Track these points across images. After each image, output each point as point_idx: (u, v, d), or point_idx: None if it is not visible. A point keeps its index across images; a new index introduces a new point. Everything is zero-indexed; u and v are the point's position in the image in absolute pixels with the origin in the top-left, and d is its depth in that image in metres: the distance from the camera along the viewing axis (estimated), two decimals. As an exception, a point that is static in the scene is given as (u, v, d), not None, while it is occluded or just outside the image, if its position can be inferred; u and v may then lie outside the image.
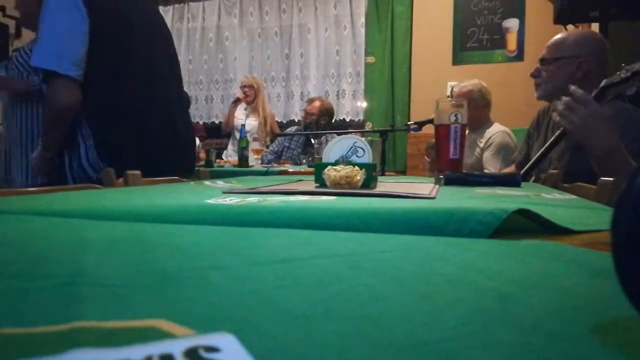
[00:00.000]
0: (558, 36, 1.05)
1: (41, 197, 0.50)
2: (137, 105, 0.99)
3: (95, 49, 0.91)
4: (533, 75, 1.07)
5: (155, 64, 1.04)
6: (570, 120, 0.80)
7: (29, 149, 1.22)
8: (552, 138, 0.96)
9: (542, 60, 1.05)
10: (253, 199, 0.44)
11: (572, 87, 0.82)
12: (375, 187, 0.61)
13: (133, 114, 0.99)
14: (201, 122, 3.23)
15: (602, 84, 0.85)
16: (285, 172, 1.44)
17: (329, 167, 0.57)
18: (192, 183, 0.80)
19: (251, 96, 2.41)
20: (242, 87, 2.47)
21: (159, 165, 0.97)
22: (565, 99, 0.82)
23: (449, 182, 0.73)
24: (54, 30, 0.90)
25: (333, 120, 2.46)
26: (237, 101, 2.46)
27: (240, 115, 2.45)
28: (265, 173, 1.41)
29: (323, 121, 2.25)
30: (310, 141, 2.16)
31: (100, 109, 0.95)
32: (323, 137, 1.29)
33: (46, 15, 0.91)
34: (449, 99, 1.84)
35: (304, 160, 2.13)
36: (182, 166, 1.08)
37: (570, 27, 1.63)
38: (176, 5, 3.26)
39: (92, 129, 0.95)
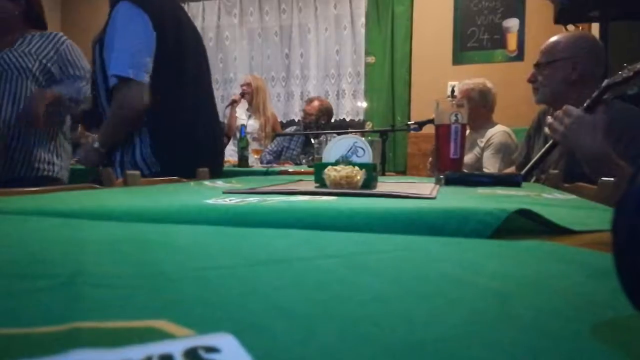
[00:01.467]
0: (551, 40, 1.06)
1: (41, 197, 0.50)
2: (189, 106, 1.09)
3: (158, 60, 1.03)
4: (530, 81, 1.07)
5: (199, 69, 1.14)
6: (556, 131, 0.82)
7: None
8: (545, 147, 0.97)
9: (537, 65, 1.05)
10: (253, 199, 0.44)
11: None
12: (375, 187, 0.61)
13: (186, 115, 1.08)
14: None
15: (604, 83, 0.85)
16: (285, 172, 1.44)
17: (329, 167, 0.57)
18: (191, 183, 0.80)
19: (249, 94, 2.40)
20: (241, 85, 2.47)
21: (204, 162, 1.06)
22: (556, 112, 0.83)
23: (449, 182, 0.73)
24: (129, 41, 0.99)
25: (333, 120, 2.46)
26: (232, 103, 2.45)
27: (243, 116, 2.45)
28: (265, 173, 1.41)
29: (322, 121, 2.25)
30: (310, 141, 2.16)
31: (158, 109, 1.03)
32: (323, 137, 1.29)
33: (119, 27, 0.99)
34: (449, 98, 1.84)
35: (303, 161, 2.12)
36: (217, 164, 1.18)
37: (570, 27, 1.63)
38: (176, 5, 3.26)
39: (149, 127, 1.03)
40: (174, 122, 1.05)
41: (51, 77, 1.20)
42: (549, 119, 0.85)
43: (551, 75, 1.02)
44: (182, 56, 1.08)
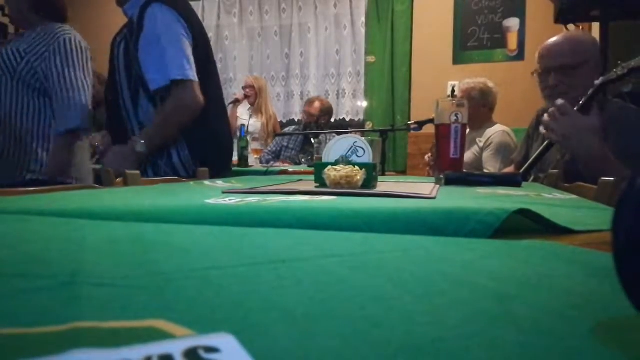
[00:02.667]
0: (571, 40, 0.99)
1: (41, 197, 0.50)
2: (216, 107, 1.11)
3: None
4: (554, 86, 0.97)
5: (216, 70, 1.17)
6: (554, 131, 0.81)
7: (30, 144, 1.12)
8: (542, 147, 0.96)
9: (562, 68, 0.96)
10: (253, 199, 0.44)
11: (558, 100, 0.82)
12: (375, 187, 0.60)
13: (214, 115, 1.10)
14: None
15: (599, 81, 0.85)
16: (285, 172, 1.44)
17: (329, 167, 0.57)
18: (191, 183, 0.80)
19: (252, 97, 2.40)
20: (244, 87, 2.47)
21: (228, 161, 1.12)
22: (550, 109, 0.82)
23: (449, 182, 0.73)
24: (180, 43, 1.00)
25: (333, 120, 2.46)
26: (235, 102, 2.45)
27: (244, 116, 2.45)
28: (265, 173, 1.41)
29: (323, 121, 2.25)
30: (309, 140, 2.16)
31: None
32: (323, 136, 1.29)
33: (163, 30, 0.99)
34: (449, 98, 1.83)
35: (303, 160, 2.12)
36: (230, 162, 1.21)
37: (570, 26, 1.62)
38: (176, 5, 3.25)
39: (185, 131, 1.04)
40: (205, 123, 1.06)
41: (38, 79, 1.08)
42: (545, 116, 0.83)
43: (583, 78, 0.93)
44: (208, 58, 1.10)
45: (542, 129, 0.86)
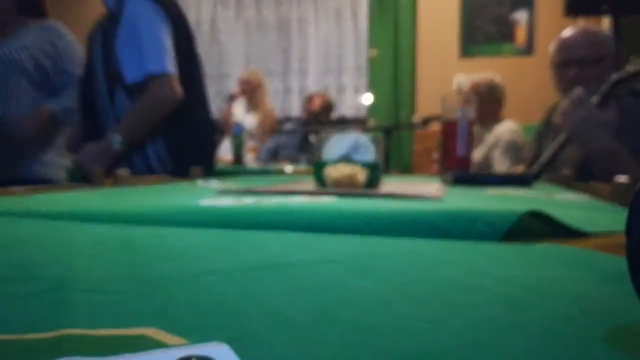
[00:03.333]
0: (590, 33, 0.98)
1: (27, 198, 0.50)
2: (199, 102, 1.10)
3: (175, 56, 1.03)
4: (573, 79, 0.95)
5: (200, 63, 1.15)
6: (568, 122, 0.80)
7: None
8: (557, 144, 0.94)
9: (583, 60, 0.94)
10: (249, 200, 0.43)
11: (576, 89, 0.81)
12: (378, 187, 0.60)
13: (196, 111, 1.09)
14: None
15: (615, 77, 0.83)
16: (283, 171, 1.43)
17: (330, 166, 0.57)
18: (184, 183, 0.80)
19: (248, 92, 2.38)
20: (240, 82, 2.44)
21: (210, 158, 1.09)
22: (570, 99, 0.81)
23: (457, 181, 0.72)
24: (159, 36, 0.99)
25: (334, 118, 2.44)
26: (232, 98, 2.42)
27: (240, 112, 2.43)
28: (262, 172, 1.40)
29: (323, 117, 2.23)
30: (309, 138, 2.14)
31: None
32: (323, 134, 1.28)
33: (142, 22, 0.98)
34: (457, 90, 1.81)
35: (302, 159, 2.10)
36: (213, 161, 1.20)
37: (580, 20, 1.59)
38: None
39: (163, 126, 1.02)
40: (187, 119, 1.05)
41: (45, 74, 1.10)
42: (564, 103, 0.81)
43: (605, 72, 0.91)
44: (191, 51, 1.08)
45: (557, 116, 0.84)
